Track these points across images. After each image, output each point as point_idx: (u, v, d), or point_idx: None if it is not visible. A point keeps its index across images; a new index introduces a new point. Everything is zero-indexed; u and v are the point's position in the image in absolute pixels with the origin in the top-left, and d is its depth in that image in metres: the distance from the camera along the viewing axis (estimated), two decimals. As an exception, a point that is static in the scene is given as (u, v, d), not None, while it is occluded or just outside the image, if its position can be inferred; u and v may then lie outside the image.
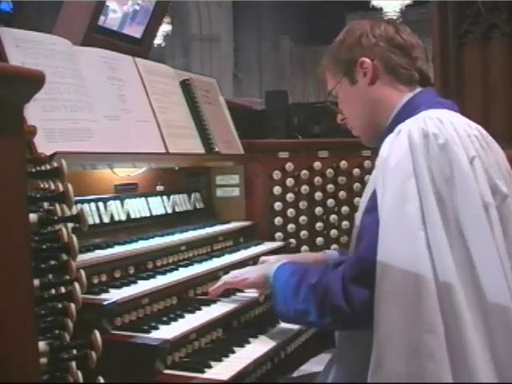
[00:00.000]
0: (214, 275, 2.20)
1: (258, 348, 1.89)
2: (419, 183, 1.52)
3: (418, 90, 1.80)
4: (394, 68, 1.80)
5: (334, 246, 3.01)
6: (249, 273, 2.04)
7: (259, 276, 1.98)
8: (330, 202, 3.03)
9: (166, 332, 1.73)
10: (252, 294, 2.14)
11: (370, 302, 1.54)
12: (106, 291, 1.80)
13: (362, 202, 1.70)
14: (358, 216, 1.71)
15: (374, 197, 1.60)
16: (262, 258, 2.25)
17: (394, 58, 1.79)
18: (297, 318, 1.81)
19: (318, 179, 3.01)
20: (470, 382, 1.44)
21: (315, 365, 2.04)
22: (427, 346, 1.45)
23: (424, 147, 1.55)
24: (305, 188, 2.98)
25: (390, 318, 1.49)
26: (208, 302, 2.03)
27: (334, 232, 3.05)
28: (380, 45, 1.80)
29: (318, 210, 3.02)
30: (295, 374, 2.06)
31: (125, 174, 2.35)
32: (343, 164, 3.06)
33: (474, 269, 1.49)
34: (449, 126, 1.59)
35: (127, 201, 2.34)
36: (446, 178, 1.53)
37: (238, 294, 2.14)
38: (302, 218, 2.97)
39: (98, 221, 2.17)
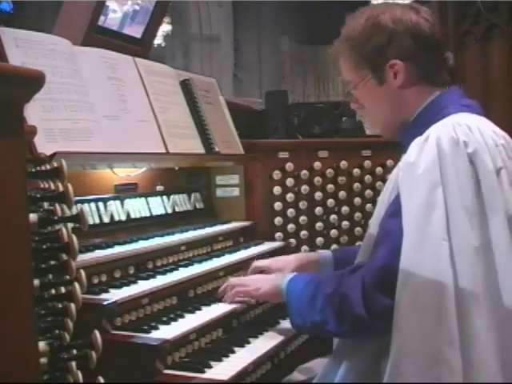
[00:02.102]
0: (214, 275, 2.20)
1: (257, 348, 1.88)
2: (446, 192, 1.51)
3: (445, 89, 1.76)
4: (425, 71, 1.75)
5: (334, 246, 3.01)
6: (261, 282, 2.01)
7: (272, 287, 1.95)
8: (330, 202, 3.03)
9: (166, 332, 1.73)
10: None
11: (389, 310, 1.53)
12: (106, 291, 1.80)
13: (382, 203, 1.68)
14: (377, 216, 1.69)
15: (398, 201, 1.58)
16: (255, 264, 2.22)
17: (427, 61, 1.74)
18: (314, 329, 1.78)
19: (318, 179, 3.00)
20: None
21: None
22: (446, 358, 1.44)
23: (453, 155, 1.53)
24: (305, 188, 2.98)
25: (410, 328, 1.49)
26: (208, 302, 2.03)
27: (333, 232, 3.04)
28: (412, 45, 1.72)
29: (318, 209, 3.02)
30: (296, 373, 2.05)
31: (125, 173, 2.35)
32: (343, 164, 3.06)
33: (496, 280, 1.49)
34: (477, 134, 1.57)
35: (127, 201, 2.34)
36: (473, 188, 1.52)
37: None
38: (302, 218, 2.97)
39: (97, 221, 2.17)
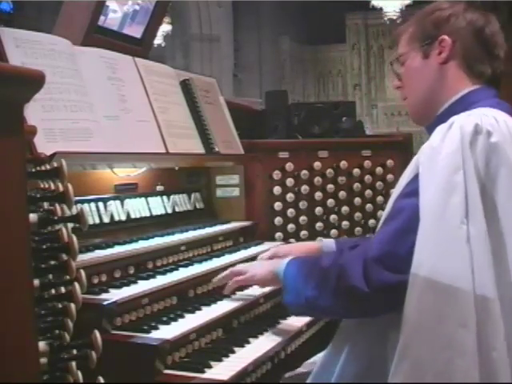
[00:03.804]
0: (214, 275, 2.19)
1: (257, 348, 1.89)
2: (466, 176, 1.51)
3: (482, 85, 1.76)
4: (470, 57, 1.76)
5: (334, 245, 3.01)
6: (256, 269, 2.03)
7: (268, 272, 1.96)
8: (330, 202, 3.04)
9: (166, 332, 1.73)
10: (252, 293, 2.14)
11: (390, 285, 1.54)
12: (106, 291, 1.80)
13: (400, 185, 1.68)
14: (394, 195, 1.70)
15: (415, 182, 1.58)
16: (260, 256, 2.25)
17: (475, 49, 1.76)
18: (308, 305, 1.74)
19: (318, 179, 3.00)
20: (493, 381, 1.44)
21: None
22: (459, 340, 1.44)
23: (474, 142, 1.53)
24: (305, 188, 2.98)
25: (423, 308, 1.48)
26: (208, 302, 2.03)
27: (334, 232, 3.05)
28: (466, 29, 1.76)
29: (318, 210, 3.02)
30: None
31: (125, 173, 2.35)
32: (343, 164, 3.06)
33: (507, 266, 1.50)
34: (503, 126, 1.57)
35: (127, 201, 2.34)
36: (491, 177, 1.52)
37: (238, 293, 2.14)
38: (302, 218, 2.97)
39: (97, 221, 2.17)
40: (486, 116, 1.59)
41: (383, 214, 1.76)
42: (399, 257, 1.53)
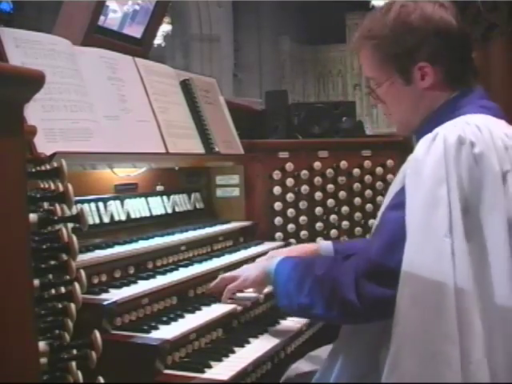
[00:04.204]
0: (213, 275, 2.19)
1: (258, 348, 1.89)
2: (449, 190, 1.51)
3: (466, 89, 1.74)
4: (452, 72, 1.72)
5: (334, 245, 3.01)
6: (247, 271, 2.03)
7: (259, 273, 1.98)
8: (330, 202, 3.03)
9: (166, 332, 1.73)
10: (251, 294, 2.14)
11: (381, 300, 1.55)
12: (106, 291, 1.80)
13: (388, 197, 1.68)
14: (384, 205, 1.70)
15: (401, 195, 1.58)
16: (258, 261, 2.24)
17: (456, 64, 1.71)
18: (300, 311, 1.79)
19: (318, 179, 3.00)
20: None
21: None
22: (445, 353, 1.45)
23: (457, 154, 1.52)
24: (305, 188, 2.98)
25: (410, 322, 1.49)
26: (208, 302, 2.03)
27: (334, 232, 3.05)
28: (442, 49, 1.69)
29: (318, 209, 3.02)
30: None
31: (125, 174, 2.35)
32: (343, 164, 3.06)
33: (488, 280, 1.50)
34: (487, 135, 1.56)
35: (127, 201, 2.34)
36: (476, 188, 1.52)
37: (239, 294, 2.14)
38: (302, 218, 2.97)
39: (97, 221, 2.17)
40: (468, 125, 1.57)
41: (374, 224, 1.77)
42: (389, 271, 1.54)
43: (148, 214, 2.44)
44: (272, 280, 1.90)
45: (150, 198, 2.47)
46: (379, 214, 1.74)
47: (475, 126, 1.57)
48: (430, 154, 1.55)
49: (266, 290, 2.09)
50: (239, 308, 2.03)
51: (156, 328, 1.74)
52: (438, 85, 1.72)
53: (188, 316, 1.89)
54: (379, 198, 3.11)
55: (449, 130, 1.57)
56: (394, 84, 1.75)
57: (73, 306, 1.17)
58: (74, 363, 1.17)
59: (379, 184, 3.12)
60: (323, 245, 2.25)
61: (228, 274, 2.10)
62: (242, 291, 2.14)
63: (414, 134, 1.81)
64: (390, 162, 3.13)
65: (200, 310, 1.96)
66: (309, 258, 1.98)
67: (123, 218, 2.30)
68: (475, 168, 1.52)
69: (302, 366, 2.01)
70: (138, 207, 2.39)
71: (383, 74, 1.76)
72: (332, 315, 1.68)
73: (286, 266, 1.86)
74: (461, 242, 1.49)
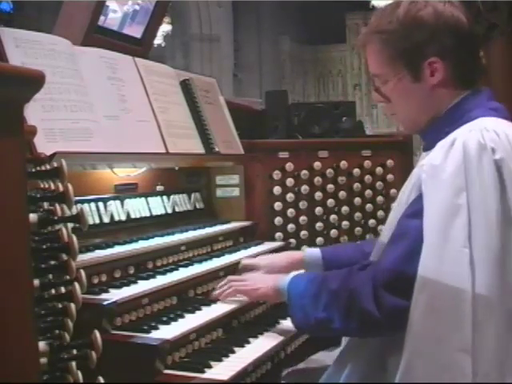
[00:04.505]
0: (214, 275, 2.20)
1: (257, 348, 1.88)
2: (470, 198, 1.48)
3: (473, 89, 1.72)
4: (461, 70, 1.69)
5: (334, 245, 3.01)
6: (260, 282, 2.00)
7: (271, 288, 1.94)
8: (330, 202, 3.03)
9: (166, 332, 1.73)
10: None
11: (400, 310, 1.52)
12: (106, 291, 1.80)
13: (400, 204, 1.66)
14: (392, 219, 1.67)
15: (419, 202, 1.55)
16: (243, 262, 2.26)
17: (465, 60, 1.69)
18: (318, 326, 1.73)
19: (318, 179, 3.00)
20: None
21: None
22: (459, 364, 1.44)
23: (479, 161, 1.50)
24: (305, 188, 2.98)
25: (424, 332, 1.48)
26: (208, 302, 2.03)
27: (334, 232, 3.05)
28: (452, 44, 1.66)
29: (318, 209, 3.02)
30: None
31: (125, 174, 2.35)
32: (343, 164, 3.06)
33: (510, 291, 1.48)
34: (505, 140, 1.54)
35: (127, 201, 2.34)
36: (498, 195, 1.49)
37: (238, 294, 2.14)
38: (302, 218, 2.97)
39: (97, 221, 2.17)
40: (488, 131, 1.55)
41: (384, 230, 1.74)
42: (408, 280, 1.51)
43: (148, 214, 2.44)
44: (285, 298, 1.85)
45: (150, 198, 2.47)
46: (389, 220, 1.71)
47: (494, 132, 1.55)
48: (449, 161, 1.53)
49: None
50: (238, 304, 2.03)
51: (156, 328, 1.74)
52: (448, 82, 1.69)
53: (188, 316, 1.89)
54: (379, 198, 3.12)
55: (467, 136, 1.55)
56: (402, 81, 1.71)
57: (73, 306, 1.17)
58: (73, 363, 1.17)
59: (379, 184, 3.12)
60: (309, 252, 2.23)
61: (237, 281, 2.08)
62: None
63: (420, 133, 1.78)
64: (389, 162, 3.13)
65: (200, 310, 1.96)
66: (322, 273, 1.96)
67: (123, 218, 2.30)
68: (497, 174, 1.50)
69: (299, 367, 2.01)
70: (138, 207, 2.39)
71: (391, 71, 1.72)
72: (351, 327, 1.65)
73: (299, 283, 1.82)
74: (483, 251, 1.46)
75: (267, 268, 2.18)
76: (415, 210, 1.57)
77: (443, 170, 1.52)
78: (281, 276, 1.96)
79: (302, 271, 2.11)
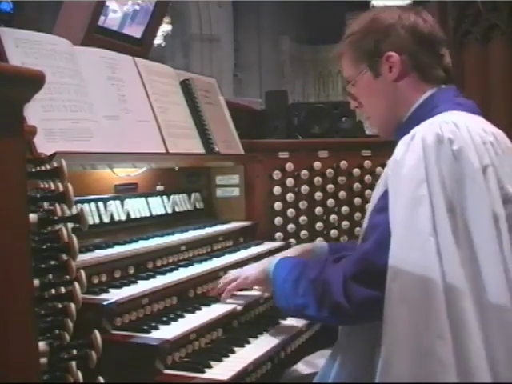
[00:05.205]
0: (213, 275, 2.20)
1: (258, 348, 1.89)
2: (431, 189, 1.51)
3: (439, 87, 1.76)
4: (420, 65, 1.75)
5: (334, 245, 3.01)
6: (249, 271, 2.07)
7: (259, 272, 2.02)
8: (330, 202, 3.04)
9: (166, 332, 1.73)
10: (252, 293, 2.14)
11: (369, 301, 1.57)
12: (106, 291, 1.80)
13: (373, 200, 1.70)
14: (369, 210, 1.72)
15: (385, 197, 1.59)
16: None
17: (422, 55, 1.75)
18: (296, 312, 1.84)
19: (318, 179, 3.01)
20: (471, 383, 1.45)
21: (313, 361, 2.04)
22: (436, 351, 1.45)
23: (437, 153, 1.53)
24: (305, 188, 2.98)
25: (399, 321, 1.50)
26: (208, 302, 2.03)
27: (334, 232, 3.05)
28: (409, 39, 1.74)
29: (318, 210, 3.02)
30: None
31: (125, 174, 2.35)
32: (343, 164, 3.06)
33: (480, 277, 1.49)
34: (464, 131, 1.57)
35: (127, 201, 2.34)
36: (458, 185, 1.52)
37: (239, 293, 2.14)
38: (302, 218, 2.97)
39: (97, 221, 2.17)
40: (446, 123, 1.58)
41: (362, 229, 1.78)
42: (376, 272, 1.55)
43: (148, 214, 2.44)
44: (270, 280, 1.93)
45: (150, 198, 2.47)
46: (365, 218, 1.75)
47: (452, 124, 1.58)
48: (409, 155, 1.56)
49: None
50: (239, 308, 2.04)
51: (156, 328, 1.74)
52: (408, 78, 1.75)
53: (188, 316, 1.89)
54: (379, 198, 3.11)
55: (426, 130, 1.58)
56: (365, 78, 1.80)
57: (73, 306, 1.17)
58: (74, 363, 1.17)
59: (379, 184, 3.12)
60: (318, 244, 2.30)
61: (230, 277, 2.11)
62: (242, 290, 2.14)
63: (395, 137, 1.79)
64: (389, 162, 3.13)
65: (200, 310, 1.96)
66: (304, 260, 1.99)
67: (123, 218, 2.30)
68: (455, 165, 1.53)
69: (299, 369, 2.02)
70: (137, 207, 2.39)
71: (356, 69, 1.83)
72: (323, 316, 1.70)
73: (283, 268, 1.89)
74: (447, 240, 1.49)
75: None
76: (382, 205, 1.60)
77: (404, 164, 1.56)
78: (269, 259, 2.04)
79: None
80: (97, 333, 1.20)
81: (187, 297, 2.08)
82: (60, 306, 1.18)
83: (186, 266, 2.17)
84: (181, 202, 2.66)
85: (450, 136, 1.55)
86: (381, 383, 1.51)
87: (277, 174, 2.95)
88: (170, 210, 2.57)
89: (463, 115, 1.65)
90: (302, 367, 2.03)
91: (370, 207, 1.73)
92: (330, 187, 3.03)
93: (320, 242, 2.37)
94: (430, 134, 1.56)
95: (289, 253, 2.24)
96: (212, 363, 1.72)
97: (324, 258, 1.82)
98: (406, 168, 1.55)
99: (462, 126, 1.58)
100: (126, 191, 2.35)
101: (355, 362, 1.70)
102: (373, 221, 1.65)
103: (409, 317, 1.48)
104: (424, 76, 1.76)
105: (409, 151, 1.57)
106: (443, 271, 1.47)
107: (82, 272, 1.19)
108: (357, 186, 3.10)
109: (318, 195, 3.01)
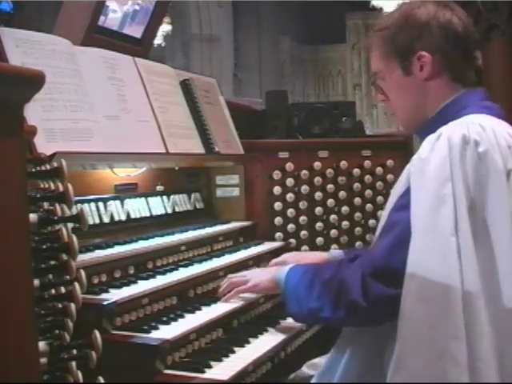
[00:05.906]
0: (214, 275, 2.20)
1: (257, 348, 1.88)
2: (455, 189, 1.51)
3: (469, 89, 1.75)
4: (452, 66, 1.74)
5: (334, 246, 3.01)
6: (259, 277, 2.03)
7: (269, 280, 1.98)
8: (330, 202, 3.03)
9: (166, 332, 1.73)
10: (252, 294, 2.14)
11: (386, 298, 1.56)
12: (106, 291, 1.80)
13: (393, 196, 1.69)
14: (388, 206, 1.71)
15: (406, 195, 1.59)
16: (274, 261, 2.27)
17: (455, 56, 1.74)
18: (310, 316, 1.79)
19: (318, 179, 3.00)
20: None
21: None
22: (451, 351, 1.45)
23: (462, 153, 1.53)
24: (305, 188, 2.98)
25: (415, 320, 1.50)
26: (208, 302, 2.03)
27: (334, 232, 3.04)
28: (442, 38, 1.72)
29: (318, 210, 3.02)
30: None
31: (125, 174, 2.35)
32: (343, 164, 3.06)
33: (496, 278, 1.50)
34: (490, 134, 1.57)
35: (127, 201, 2.34)
36: (481, 186, 1.52)
37: (242, 295, 2.14)
38: (302, 218, 2.97)
39: (97, 221, 2.17)
40: (473, 124, 1.59)
41: (379, 226, 1.78)
42: (394, 270, 1.55)
43: (148, 214, 2.44)
44: (282, 288, 1.89)
45: (150, 198, 2.47)
46: (383, 214, 1.74)
47: (479, 125, 1.58)
48: (435, 154, 1.56)
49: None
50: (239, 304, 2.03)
51: (156, 328, 1.74)
52: (438, 78, 1.74)
53: (188, 316, 1.89)
54: (379, 198, 3.12)
55: (452, 130, 1.58)
56: (395, 74, 1.78)
57: (73, 306, 1.17)
58: (74, 363, 1.17)
59: (379, 184, 3.12)
60: (333, 252, 2.30)
61: (237, 279, 2.10)
62: None
63: (418, 134, 1.82)
64: (389, 162, 3.13)
65: (200, 309, 1.96)
66: (318, 264, 1.98)
67: (123, 218, 2.30)
68: (480, 166, 1.53)
69: (302, 372, 2.01)
70: (138, 207, 2.39)
71: (386, 65, 1.80)
72: (340, 316, 1.67)
73: (296, 274, 1.86)
74: (467, 240, 1.49)
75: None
76: (404, 203, 1.60)
77: (429, 163, 1.56)
78: (279, 267, 2.00)
79: None
80: (97, 333, 1.20)
81: (187, 297, 2.08)
82: (60, 305, 1.18)
83: (186, 266, 2.17)
84: (181, 202, 2.66)
85: (476, 138, 1.55)
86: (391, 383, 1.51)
87: (277, 174, 2.95)
88: (169, 210, 2.57)
89: (489, 118, 1.64)
90: (306, 370, 2.02)
91: (388, 204, 1.72)
92: (330, 187, 3.03)
93: (337, 251, 2.35)
94: (456, 135, 1.56)
95: (302, 258, 2.23)
96: (212, 363, 1.71)
97: (338, 260, 1.79)
98: (431, 166, 1.55)
99: (488, 129, 1.58)
100: (126, 191, 2.35)
101: (364, 360, 1.69)
102: (392, 218, 1.65)
103: (425, 315, 1.49)
104: (455, 77, 1.75)
105: (434, 150, 1.57)
106: (462, 272, 1.47)
107: (82, 272, 1.19)
108: (357, 186, 3.09)
109: (318, 195, 3.01)
